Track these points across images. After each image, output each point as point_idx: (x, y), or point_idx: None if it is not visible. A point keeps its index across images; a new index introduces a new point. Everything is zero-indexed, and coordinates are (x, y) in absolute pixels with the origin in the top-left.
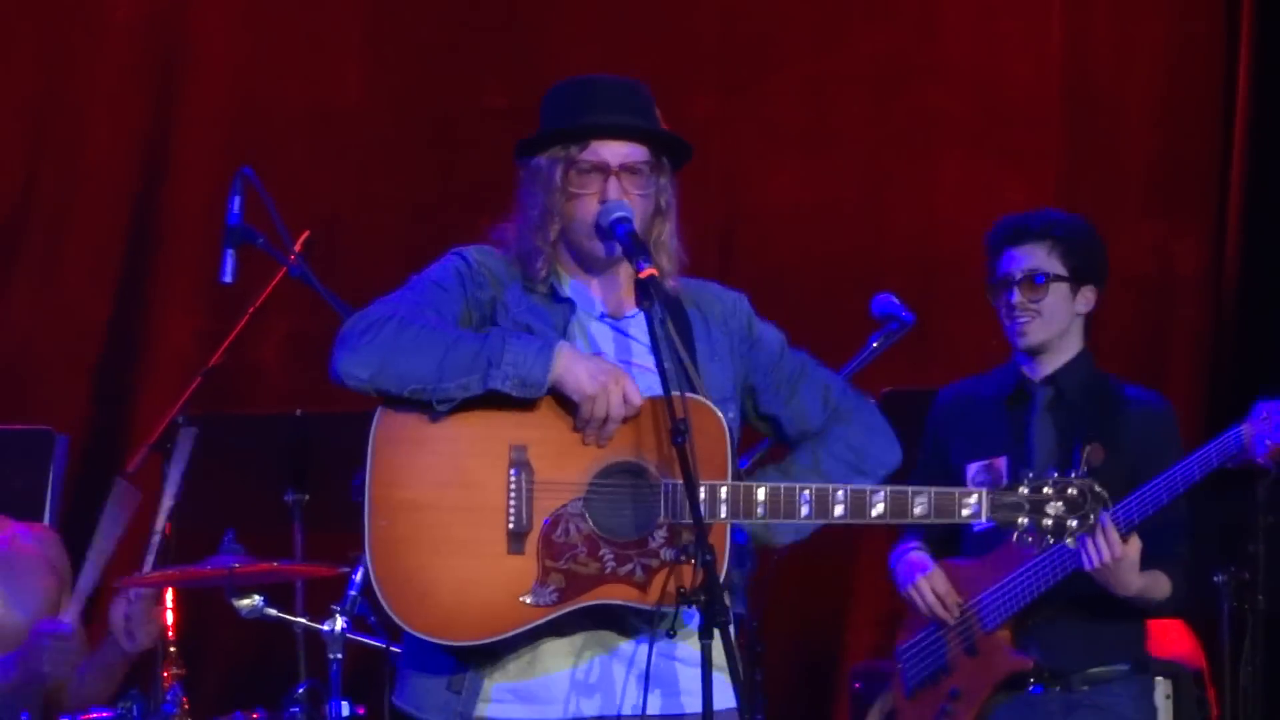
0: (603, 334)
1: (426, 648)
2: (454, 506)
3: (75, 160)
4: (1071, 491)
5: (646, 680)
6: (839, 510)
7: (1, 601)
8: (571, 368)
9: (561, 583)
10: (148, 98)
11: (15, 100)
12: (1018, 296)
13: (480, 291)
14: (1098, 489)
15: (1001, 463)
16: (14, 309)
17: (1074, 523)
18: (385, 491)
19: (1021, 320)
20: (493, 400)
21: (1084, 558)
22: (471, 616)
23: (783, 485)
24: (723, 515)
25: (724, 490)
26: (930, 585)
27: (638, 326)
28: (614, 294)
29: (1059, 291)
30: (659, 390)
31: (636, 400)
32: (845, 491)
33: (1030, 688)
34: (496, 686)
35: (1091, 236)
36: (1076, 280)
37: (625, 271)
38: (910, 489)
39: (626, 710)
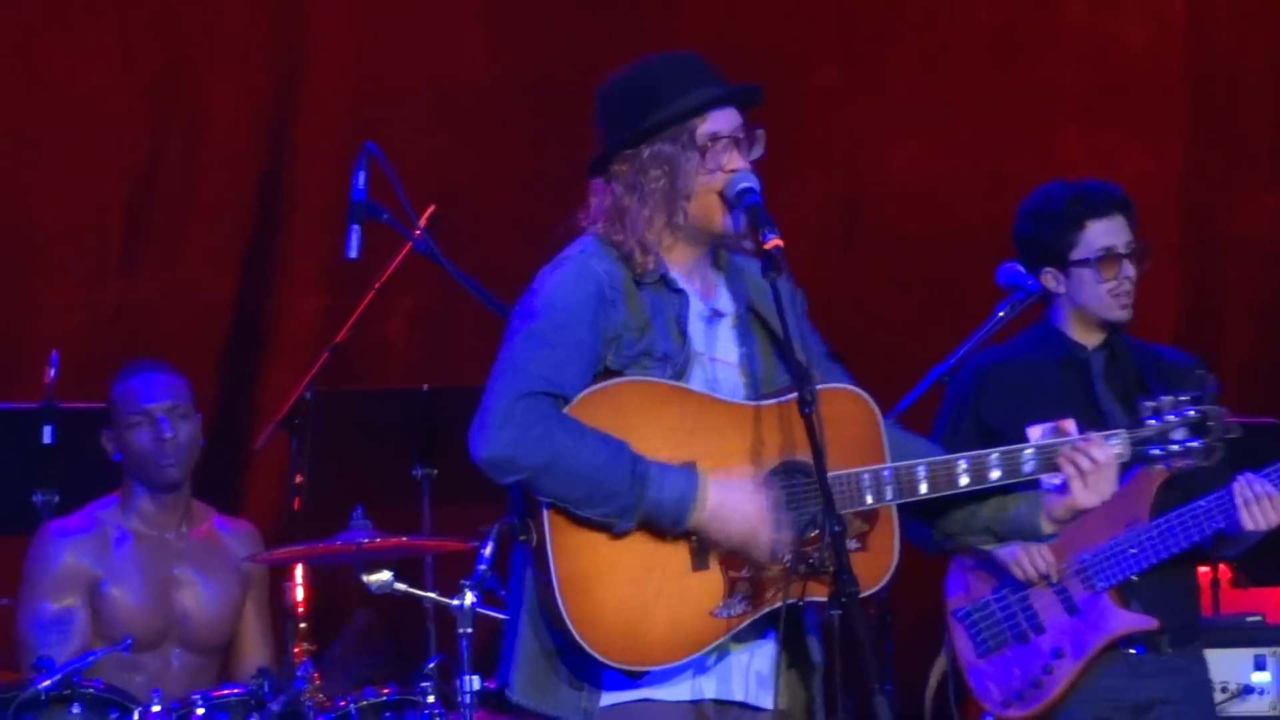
0: (703, 332)
1: (544, 644)
2: (633, 533)
3: (199, 139)
4: (1192, 414)
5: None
6: (995, 474)
7: (193, 594)
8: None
9: (748, 590)
10: (270, 75)
11: (139, 81)
12: (1133, 270)
13: (613, 311)
14: (1221, 411)
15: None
16: (141, 288)
17: (1196, 444)
18: (564, 528)
19: (1127, 293)
20: (657, 419)
21: (1254, 522)
22: (665, 639)
23: (939, 460)
24: (888, 497)
25: (886, 472)
26: (1038, 549)
27: (725, 315)
28: (699, 282)
29: None
30: (744, 385)
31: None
32: (998, 455)
33: (1135, 648)
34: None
35: None
36: None
37: (708, 257)
38: (1058, 441)
39: (742, 697)
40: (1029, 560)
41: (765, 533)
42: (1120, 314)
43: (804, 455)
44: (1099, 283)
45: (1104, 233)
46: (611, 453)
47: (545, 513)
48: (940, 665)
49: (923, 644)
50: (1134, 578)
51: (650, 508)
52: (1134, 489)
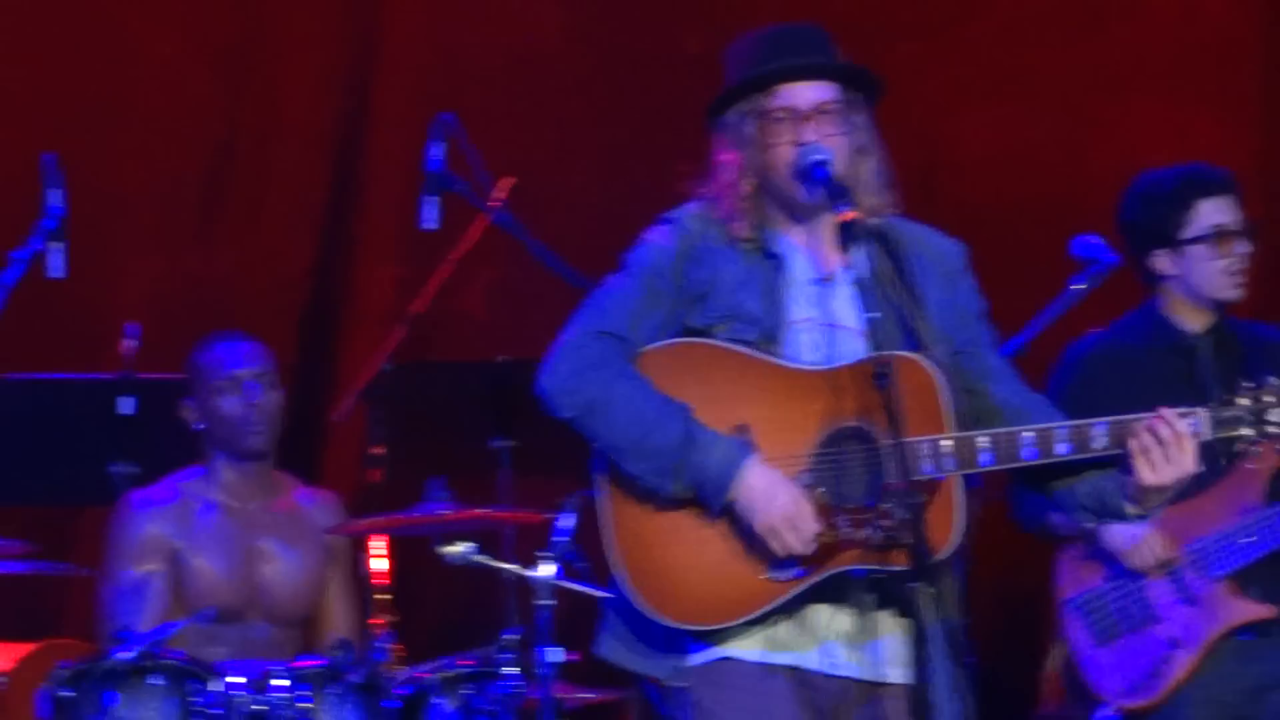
0: (809, 297)
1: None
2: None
3: (275, 111)
4: None
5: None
6: (1061, 448)
7: (276, 565)
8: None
9: (802, 557)
10: (346, 45)
11: (214, 52)
12: (1244, 248)
13: (697, 269)
14: None
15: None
16: (218, 260)
17: None
18: (621, 490)
19: (1240, 271)
20: (712, 384)
21: None
22: (719, 601)
23: (1001, 431)
24: (948, 468)
25: (944, 443)
26: (1153, 537)
27: (844, 281)
28: (821, 248)
29: None
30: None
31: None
32: (1067, 428)
33: (1249, 634)
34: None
35: None
36: None
37: (830, 221)
38: (1131, 418)
39: (828, 665)
40: (1146, 548)
41: (786, 535)
42: (1233, 292)
43: (869, 421)
44: (1212, 260)
45: (1214, 211)
46: (667, 409)
47: (603, 474)
48: (1058, 652)
49: (998, 613)
50: (1249, 564)
51: (695, 473)
52: (1246, 476)
